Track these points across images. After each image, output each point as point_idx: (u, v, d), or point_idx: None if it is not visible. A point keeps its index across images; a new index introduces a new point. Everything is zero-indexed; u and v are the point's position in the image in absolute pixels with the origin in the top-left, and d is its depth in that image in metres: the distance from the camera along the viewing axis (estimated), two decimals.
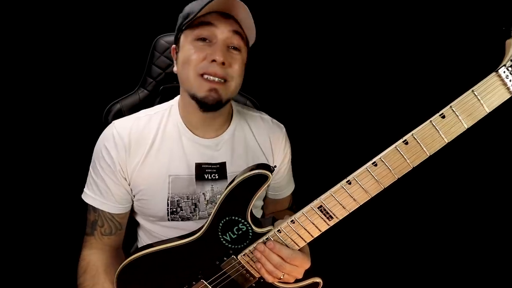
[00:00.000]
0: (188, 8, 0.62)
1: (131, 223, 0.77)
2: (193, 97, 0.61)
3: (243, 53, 0.64)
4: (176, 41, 0.65)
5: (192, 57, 0.59)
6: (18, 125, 1.09)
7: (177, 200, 0.66)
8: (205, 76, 0.59)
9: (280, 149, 0.76)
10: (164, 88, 0.86)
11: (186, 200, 0.67)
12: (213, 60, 0.58)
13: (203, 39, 0.59)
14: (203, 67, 0.58)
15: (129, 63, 0.99)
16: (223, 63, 0.58)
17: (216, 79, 0.59)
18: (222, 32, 0.59)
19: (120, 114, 0.84)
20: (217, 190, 0.68)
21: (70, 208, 0.69)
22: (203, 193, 0.68)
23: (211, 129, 0.68)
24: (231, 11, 0.60)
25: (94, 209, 0.66)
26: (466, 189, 1.23)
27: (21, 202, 1.13)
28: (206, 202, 0.68)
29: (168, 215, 0.66)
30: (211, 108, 0.61)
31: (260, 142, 0.74)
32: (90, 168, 0.68)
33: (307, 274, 0.59)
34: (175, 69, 0.66)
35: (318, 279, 0.61)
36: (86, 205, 0.68)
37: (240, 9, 0.58)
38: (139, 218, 0.73)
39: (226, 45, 0.60)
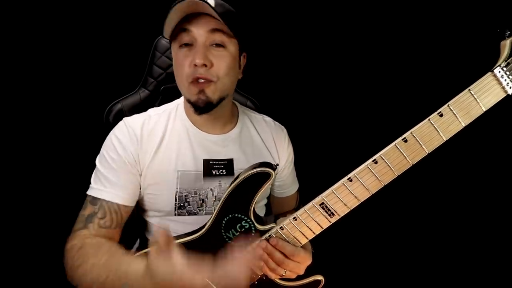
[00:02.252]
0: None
1: (132, 224, 0.77)
2: (188, 101, 0.64)
3: (230, 48, 0.62)
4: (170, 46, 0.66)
5: (180, 66, 0.61)
6: (19, 125, 1.09)
7: (185, 195, 0.67)
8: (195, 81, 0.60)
9: (284, 148, 0.78)
10: (165, 88, 0.86)
11: (193, 195, 0.68)
12: (195, 65, 0.58)
13: (186, 44, 0.60)
14: (190, 75, 0.59)
15: (130, 63, 0.99)
16: (205, 65, 0.58)
17: (202, 80, 0.60)
18: (200, 34, 0.59)
19: (121, 114, 0.84)
20: (225, 186, 0.69)
21: (72, 207, 0.69)
22: (211, 189, 0.69)
23: (216, 127, 0.70)
24: (201, 11, 0.57)
25: (95, 202, 0.62)
26: (465, 186, 1.25)
27: (22, 202, 1.13)
28: (214, 199, 0.69)
29: (175, 209, 0.67)
30: (203, 110, 0.62)
31: (265, 140, 0.76)
32: (98, 163, 0.65)
33: (309, 272, 0.60)
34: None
35: (320, 277, 0.62)
36: None
37: (206, 9, 0.56)
38: (145, 215, 0.72)
39: (207, 45, 0.59)
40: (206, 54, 0.59)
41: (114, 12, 1.06)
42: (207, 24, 0.58)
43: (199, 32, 0.58)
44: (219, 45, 0.60)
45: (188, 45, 0.60)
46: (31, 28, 1.03)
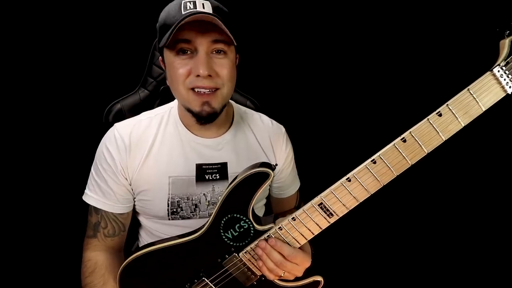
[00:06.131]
0: (162, 19, 0.58)
1: (131, 222, 0.77)
2: (189, 111, 0.61)
3: (230, 54, 0.60)
4: (161, 52, 0.63)
5: (178, 73, 0.58)
6: (19, 126, 1.09)
7: (177, 201, 0.67)
8: (196, 90, 0.58)
9: (281, 149, 0.76)
10: (165, 88, 0.86)
11: (186, 200, 0.67)
12: (198, 75, 0.57)
13: (184, 51, 0.58)
14: (191, 82, 0.58)
15: (130, 63, 0.99)
16: (209, 75, 0.57)
17: (207, 91, 0.58)
18: (201, 43, 0.56)
19: (120, 114, 0.84)
20: (218, 191, 0.69)
21: (71, 209, 0.69)
22: (204, 194, 0.68)
23: (211, 130, 0.69)
24: (206, 19, 0.55)
25: (97, 210, 0.66)
26: (465, 186, 1.25)
27: (22, 204, 1.13)
28: (207, 203, 0.68)
29: (168, 215, 0.67)
30: (207, 120, 0.61)
31: (261, 142, 0.74)
32: (92, 169, 0.68)
33: (308, 273, 0.60)
34: (168, 81, 0.65)
35: (319, 278, 0.62)
36: (86, 206, 0.68)
37: (214, 21, 0.54)
38: (140, 217, 0.73)
39: (209, 53, 0.58)
40: (210, 64, 0.57)
41: (113, 12, 1.06)
42: (209, 35, 0.56)
43: (202, 42, 0.56)
44: (219, 51, 0.59)
45: (187, 52, 0.58)
46: (31, 29, 1.04)
